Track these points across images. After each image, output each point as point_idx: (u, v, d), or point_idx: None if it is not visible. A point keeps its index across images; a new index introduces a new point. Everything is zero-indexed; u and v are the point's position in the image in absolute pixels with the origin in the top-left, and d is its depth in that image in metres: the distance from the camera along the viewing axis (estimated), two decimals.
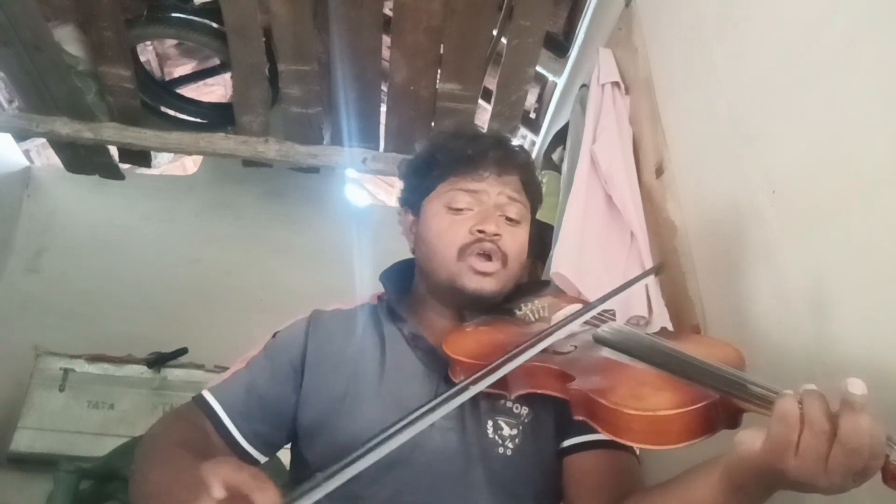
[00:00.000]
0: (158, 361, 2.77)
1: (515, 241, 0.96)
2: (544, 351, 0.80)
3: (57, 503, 1.98)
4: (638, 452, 0.92)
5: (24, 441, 2.58)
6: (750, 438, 0.58)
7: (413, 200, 1.03)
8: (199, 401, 0.90)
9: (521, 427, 0.88)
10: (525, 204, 1.01)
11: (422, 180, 1.01)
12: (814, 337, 0.86)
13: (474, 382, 0.67)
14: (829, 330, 0.83)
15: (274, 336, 0.98)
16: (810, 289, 0.88)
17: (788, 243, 0.93)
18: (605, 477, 0.86)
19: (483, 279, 0.92)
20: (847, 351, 0.80)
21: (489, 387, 0.78)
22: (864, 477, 0.54)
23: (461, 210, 0.95)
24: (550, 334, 0.78)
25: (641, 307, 1.25)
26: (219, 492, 0.54)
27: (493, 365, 0.71)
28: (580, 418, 0.70)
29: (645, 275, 0.97)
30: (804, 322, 0.88)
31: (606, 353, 0.77)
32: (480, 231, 0.93)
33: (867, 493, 0.59)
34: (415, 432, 0.59)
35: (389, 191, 5.05)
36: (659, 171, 1.39)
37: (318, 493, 0.54)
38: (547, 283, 1.11)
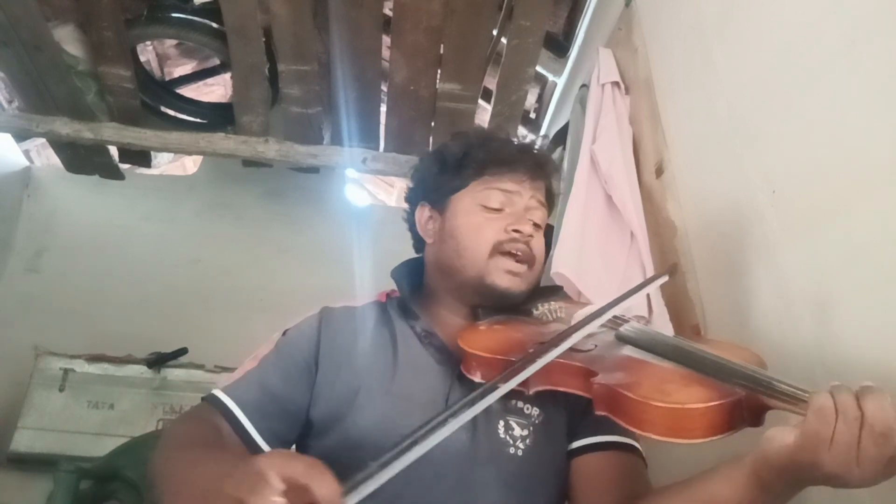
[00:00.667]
0: (158, 361, 2.77)
1: (540, 244, 0.98)
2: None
3: (57, 503, 1.97)
4: (644, 455, 0.92)
5: (24, 441, 2.57)
6: (781, 434, 0.59)
7: (437, 196, 1.02)
8: (213, 400, 0.88)
9: (532, 428, 0.88)
10: (546, 211, 1.03)
11: (452, 177, 1.01)
12: (814, 337, 0.86)
13: (505, 379, 0.66)
14: (829, 330, 0.83)
15: (284, 334, 0.97)
16: (810, 289, 0.88)
17: (788, 243, 0.93)
18: (612, 478, 0.87)
19: (514, 279, 0.93)
20: (847, 351, 0.80)
21: None
22: (893, 466, 0.55)
23: (495, 209, 0.96)
24: (580, 328, 0.78)
25: (641, 307, 1.25)
26: (278, 484, 0.51)
27: (523, 361, 0.70)
28: (602, 413, 0.70)
29: (659, 277, 0.98)
30: (804, 322, 0.88)
31: (629, 351, 0.78)
32: (516, 231, 0.94)
33: (867, 492, 0.59)
34: (452, 430, 0.58)
35: (389, 191, 5.05)
36: (659, 171, 1.39)
37: (374, 483, 0.53)
38: (560, 287, 1.13)
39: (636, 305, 1.25)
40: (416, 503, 0.81)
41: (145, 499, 1.95)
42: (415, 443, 0.56)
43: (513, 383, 0.67)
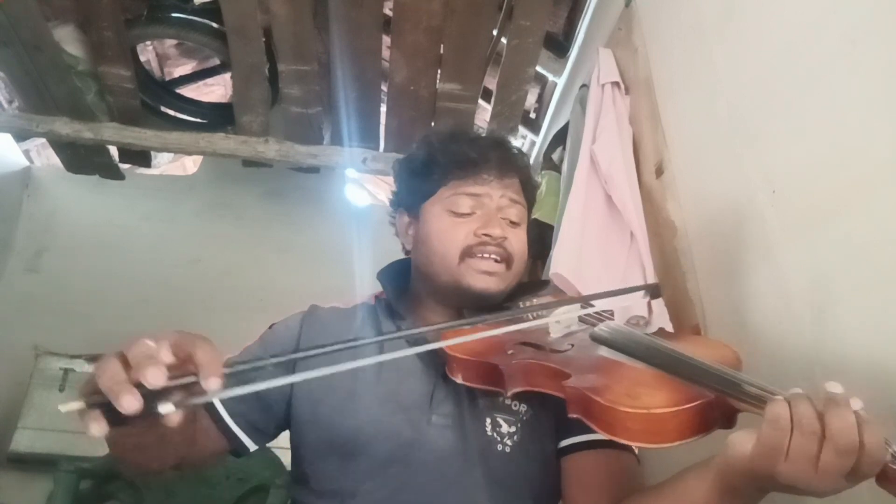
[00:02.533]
0: None
1: (519, 242, 0.97)
2: (541, 349, 0.80)
3: (57, 503, 1.97)
4: (637, 452, 0.92)
5: (24, 441, 2.58)
6: (741, 441, 0.58)
7: (410, 202, 1.02)
8: None
9: (519, 425, 0.88)
10: (524, 205, 1.01)
11: (420, 183, 1.00)
12: (814, 337, 0.86)
13: (445, 338, 0.70)
14: (829, 330, 0.83)
15: (270, 327, 1.00)
16: (810, 289, 0.88)
17: (788, 243, 0.93)
18: (603, 477, 0.86)
19: (489, 279, 0.93)
20: (847, 351, 0.80)
21: (484, 384, 0.79)
22: (858, 477, 0.53)
23: (464, 214, 0.95)
24: (532, 313, 0.79)
25: (641, 307, 1.25)
26: (167, 354, 0.54)
27: (469, 325, 0.72)
28: (575, 416, 0.70)
29: (641, 288, 0.98)
30: (804, 322, 0.88)
31: (603, 351, 0.78)
32: (486, 235, 0.93)
33: (867, 492, 0.59)
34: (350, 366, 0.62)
35: (389, 191, 5.05)
36: (659, 171, 1.39)
37: (257, 381, 0.57)
38: (546, 282, 1.12)
39: (636, 305, 1.25)
40: (408, 502, 0.82)
41: (145, 499, 1.95)
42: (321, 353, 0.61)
43: (442, 343, 0.72)
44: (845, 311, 0.81)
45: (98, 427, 0.52)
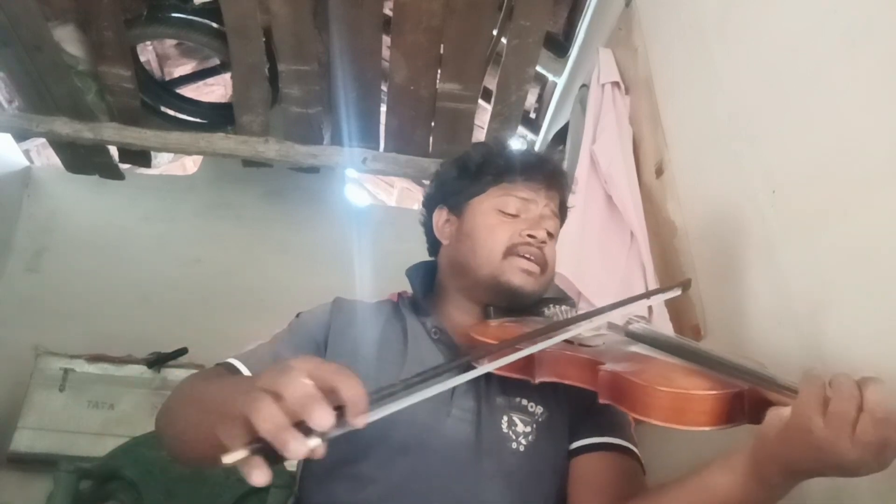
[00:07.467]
0: (158, 361, 2.77)
1: (553, 253, 1.01)
2: (572, 344, 0.81)
3: (57, 503, 1.97)
4: (642, 460, 0.93)
5: (24, 441, 2.57)
6: (779, 411, 0.61)
7: (455, 200, 1.05)
8: (225, 364, 0.90)
9: (534, 425, 0.90)
10: (559, 222, 1.06)
11: (470, 183, 1.04)
12: (813, 337, 0.86)
13: (492, 358, 0.67)
14: (828, 330, 0.83)
15: (298, 316, 1.01)
16: (810, 289, 0.88)
17: (788, 243, 0.93)
18: (608, 478, 0.88)
19: (528, 278, 0.96)
20: (847, 351, 0.80)
21: (514, 371, 0.80)
22: (888, 453, 0.56)
23: (511, 215, 0.99)
24: (582, 319, 0.79)
25: (641, 307, 1.25)
26: (307, 377, 0.51)
27: (510, 344, 0.71)
28: (605, 402, 0.71)
29: (671, 288, 0.97)
30: (804, 322, 0.88)
31: (636, 348, 0.79)
32: (531, 236, 0.97)
33: (866, 491, 0.59)
34: (425, 395, 0.58)
35: (389, 191, 5.06)
36: (659, 171, 1.39)
37: (396, 404, 0.54)
38: (570, 297, 1.14)
39: (636, 305, 1.25)
40: (419, 491, 0.83)
41: (145, 499, 1.95)
42: (427, 379, 0.58)
43: (507, 359, 0.68)
44: (845, 311, 0.81)
45: (262, 475, 0.48)
